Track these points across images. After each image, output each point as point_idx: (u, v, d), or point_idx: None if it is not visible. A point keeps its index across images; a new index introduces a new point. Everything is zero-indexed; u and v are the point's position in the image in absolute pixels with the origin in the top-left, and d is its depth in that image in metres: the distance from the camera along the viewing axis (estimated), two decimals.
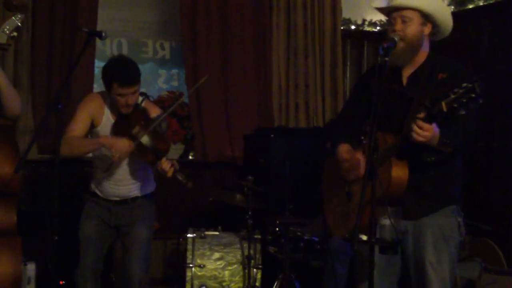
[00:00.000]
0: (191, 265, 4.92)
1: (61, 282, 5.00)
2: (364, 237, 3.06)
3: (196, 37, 6.27)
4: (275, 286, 4.81)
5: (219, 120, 6.37)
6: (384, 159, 3.18)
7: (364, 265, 3.36)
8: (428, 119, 3.00)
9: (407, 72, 3.39)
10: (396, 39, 3.24)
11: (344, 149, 3.49)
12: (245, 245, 4.97)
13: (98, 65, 6.19)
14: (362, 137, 3.28)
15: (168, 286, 5.61)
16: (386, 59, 3.10)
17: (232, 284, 4.96)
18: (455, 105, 2.89)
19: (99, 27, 5.88)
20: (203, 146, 6.32)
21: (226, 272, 4.97)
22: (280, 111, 6.51)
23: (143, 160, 4.08)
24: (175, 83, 6.95)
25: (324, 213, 3.75)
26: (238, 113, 6.39)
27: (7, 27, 3.82)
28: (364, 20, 6.82)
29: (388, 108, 3.32)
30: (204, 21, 6.28)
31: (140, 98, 4.15)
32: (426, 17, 3.34)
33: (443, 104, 2.92)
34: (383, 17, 6.72)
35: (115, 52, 6.70)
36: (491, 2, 5.59)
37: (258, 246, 4.99)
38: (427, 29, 3.38)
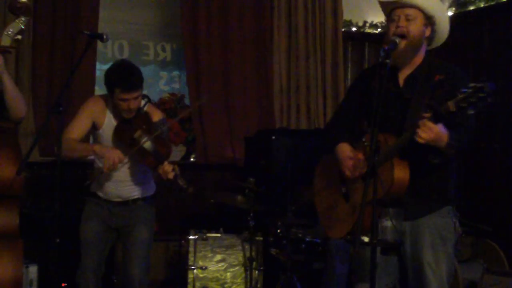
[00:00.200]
0: (193, 267, 4.92)
1: (63, 284, 5.00)
2: (366, 239, 3.06)
3: (197, 39, 6.28)
4: None
5: (220, 122, 6.38)
6: (386, 159, 3.18)
7: (363, 265, 3.37)
8: (435, 119, 2.99)
9: (404, 73, 3.39)
10: (396, 40, 3.24)
11: (346, 148, 3.48)
12: (247, 247, 4.97)
13: (100, 67, 6.21)
14: (364, 139, 3.28)
15: None
16: (387, 61, 3.10)
17: (234, 286, 4.96)
18: (464, 105, 2.88)
19: (101, 30, 5.89)
20: (204, 148, 6.32)
21: (228, 274, 4.97)
22: (281, 112, 6.52)
23: (145, 164, 4.08)
24: (176, 85, 6.96)
25: (317, 214, 3.73)
26: (239, 114, 6.39)
27: (11, 30, 3.82)
28: (365, 22, 6.82)
29: (386, 109, 3.32)
30: (205, 23, 6.29)
31: (143, 102, 4.16)
32: (428, 19, 3.34)
33: (451, 103, 2.92)
34: (384, 19, 6.75)
35: (117, 55, 6.71)
36: (492, 3, 5.60)
37: (260, 248, 4.99)
38: (428, 32, 3.38)
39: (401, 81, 3.38)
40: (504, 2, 5.49)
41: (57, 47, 5.90)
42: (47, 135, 5.58)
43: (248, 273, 4.95)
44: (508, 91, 5.37)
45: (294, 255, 4.81)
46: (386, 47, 3.15)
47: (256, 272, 4.94)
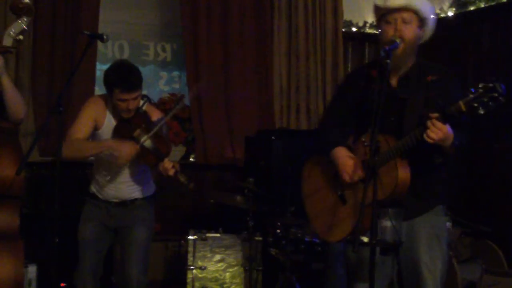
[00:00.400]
0: (192, 267, 4.93)
1: (62, 284, 5.01)
2: (365, 239, 3.06)
3: (197, 39, 6.28)
4: None
5: (220, 122, 6.38)
6: (388, 160, 3.19)
7: (361, 265, 3.37)
8: (443, 119, 3.00)
9: (396, 75, 3.40)
10: (397, 41, 3.24)
11: (344, 152, 3.48)
12: (246, 247, 4.97)
13: (100, 67, 6.21)
14: (363, 139, 3.28)
15: None
16: (388, 61, 3.11)
17: (233, 286, 4.97)
18: (475, 105, 2.90)
19: (101, 30, 5.89)
20: (204, 148, 6.32)
21: (227, 274, 4.98)
22: (281, 113, 6.52)
23: (145, 163, 4.09)
24: (176, 85, 6.96)
25: (309, 219, 3.72)
26: (239, 115, 6.39)
27: (13, 30, 3.82)
28: (365, 22, 6.82)
29: (382, 110, 3.33)
30: (205, 23, 6.29)
31: (142, 101, 4.16)
32: (421, 21, 3.36)
33: (462, 103, 2.93)
34: None
35: (117, 55, 6.71)
36: (492, 4, 5.60)
37: (259, 248, 5.00)
38: (421, 33, 3.40)
39: (394, 82, 3.40)
40: (504, 2, 5.48)
41: (57, 47, 5.90)
42: (47, 135, 5.59)
43: (247, 273, 4.95)
44: (509, 91, 5.36)
45: (293, 255, 4.80)
46: (387, 47, 3.16)
47: (255, 272, 4.94)
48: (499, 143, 5.45)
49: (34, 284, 4.75)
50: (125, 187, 4.23)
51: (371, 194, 3.03)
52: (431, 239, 3.36)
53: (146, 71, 6.46)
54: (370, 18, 6.81)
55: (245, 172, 5.88)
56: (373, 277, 2.99)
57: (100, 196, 4.26)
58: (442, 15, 6.05)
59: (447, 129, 3.02)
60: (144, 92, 4.18)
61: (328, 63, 6.59)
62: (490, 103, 2.88)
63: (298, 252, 4.85)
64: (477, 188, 5.60)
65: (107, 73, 4.05)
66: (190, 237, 5.00)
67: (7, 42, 3.82)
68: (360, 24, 6.83)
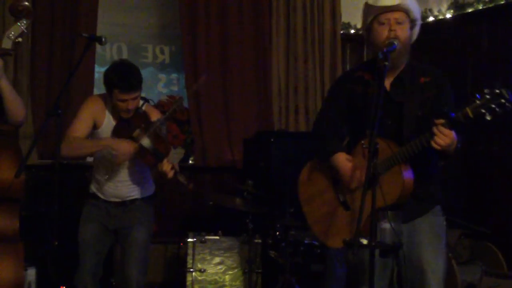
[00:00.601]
0: (191, 270, 4.93)
1: (61, 287, 5.00)
2: (364, 241, 3.06)
3: (195, 41, 6.29)
4: None
5: (219, 124, 6.38)
6: (393, 166, 3.20)
7: (361, 268, 3.37)
8: (449, 125, 3.01)
9: (389, 78, 3.40)
10: (395, 43, 3.24)
11: (345, 158, 3.46)
12: (246, 249, 4.98)
13: (98, 70, 6.21)
14: (363, 142, 3.28)
15: None
16: (386, 63, 3.11)
17: None
18: (483, 111, 2.91)
19: (99, 32, 5.89)
20: (203, 150, 6.32)
21: (227, 277, 4.98)
22: (279, 114, 6.51)
23: (144, 163, 4.09)
24: (174, 88, 6.96)
25: (309, 224, 3.71)
26: (238, 117, 6.40)
27: (12, 33, 3.81)
28: None
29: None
30: (203, 26, 6.30)
31: (141, 102, 4.16)
32: (411, 22, 3.37)
33: (469, 110, 2.94)
34: None
35: (115, 57, 6.71)
36: (490, 6, 5.60)
37: (259, 250, 5.00)
38: (411, 34, 3.41)
39: (387, 85, 3.39)
40: (502, 4, 5.48)
41: (55, 49, 5.90)
42: (46, 138, 5.58)
43: (246, 275, 4.96)
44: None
45: (292, 258, 4.81)
46: (385, 49, 3.16)
47: (255, 274, 4.95)
48: (498, 145, 5.45)
49: (33, 286, 4.75)
50: (124, 186, 4.23)
51: (378, 198, 3.04)
52: (432, 239, 3.37)
53: (144, 74, 6.34)
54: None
55: (244, 174, 5.88)
56: (372, 279, 2.99)
57: (100, 196, 4.26)
58: (440, 17, 6.05)
59: (453, 135, 3.04)
60: (143, 94, 4.18)
61: (326, 64, 6.59)
62: (497, 109, 2.90)
63: (297, 254, 4.85)
64: (477, 190, 5.60)
65: (107, 73, 4.05)
66: (189, 240, 5.00)
67: (7, 44, 3.81)
68: (358, 26, 6.82)
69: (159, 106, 6.40)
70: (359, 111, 3.41)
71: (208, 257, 4.99)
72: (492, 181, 5.51)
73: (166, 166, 3.97)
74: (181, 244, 5.20)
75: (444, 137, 3.02)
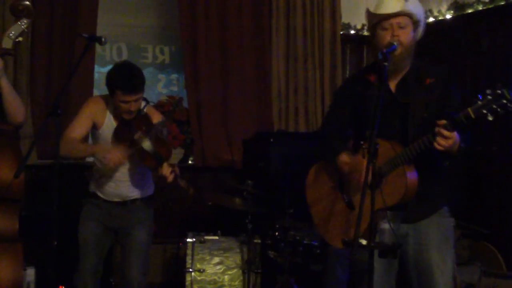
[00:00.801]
0: (190, 270, 4.92)
1: (60, 287, 4.99)
2: (364, 242, 3.06)
3: (195, 42, 6.29)
4: None
5: (219, 125, 6.38)
6: (396, 166, 3.21)
7: (365, 270, 3.37)
8: (452, 127, 3.02)
9: (394, 79, 3.41)
10: (395, 43, 3.25)
11: (349, 156, 3.47)
12: (245, 249, 4.98)
13: (98, 70, 6.21)
14: (362, 142, 3.28)
15: None
16: (386, 64, 3.11)
17: None
18: (484, 111, 2.92)
19: (99, 32, 5.89)
20: (202, 150, 6.32)
21: (226, 277, 4.97)
22: (279, 115, 6.51)
23: (145, 165, 4.09)
24: (174, 88, 6.96)
25: (316, 225, 3.72)
26: (238, 117, 6.40)
27: (13, 32, 3.81)
28: (363, 25, 6.82)
29: (383, 116, 3.33)
30: (203, 26, 6.29)
31: (143, 103, 4.16)
32: (415, 24, 3.37)
33: (471, 110, 2.95)
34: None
35: (115, 57, 6.72)
36: (489, 6, 5.60)
37: (258, 251, 5.00)
38: (415, 35, 3.41)
39: (392, 86, 3.40)
40: (502, 4, 5.49)
41: (55, 50, 5.90)
42: (45, 138, 5.58)
43: (246, 275, 4.95)
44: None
45: (292, 258, 4.81)
46: (385, 50, 3.17)
47: (254, 274, 4.94)
48: (497, 146, 5.45)
49: (32, 286, 4.75)
50: (125, 186, 4.25)
51: (379, 199, 3.06)
52: (440, 240, 3.37)
53: (144, 74, 6.42)
54: None
55: (243, 175, 5.89)
56: (371, 279, 2.99)
57: (100, 195, 4.27)
58: (440, 18, 6.05)
59: (455, 136, 3.05)
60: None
61: (326, 65, 6.59)
62: (499, 109, 2.90)
63: (296, 255, 4.85)
64: (476, 191, 5.60)
65: (109, 74, 4.06)
66: (188, 240, 5.00)
67: (7, 44, 3.81)
68: (358, 26, 6.83)
69: (159, 106, 6.40)
70: (364, 113, 3.42)
71: (207, 257, 4.98)
72: (491, 182, 5.51)
73: (167, 170, 3.97)
74: (180, 244, 5.20)
75: (446, 138, 3.03)
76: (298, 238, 4.90)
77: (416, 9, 3.37)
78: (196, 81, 6.29)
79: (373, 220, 2.96)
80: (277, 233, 4.96)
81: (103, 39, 3.66)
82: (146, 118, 4.14)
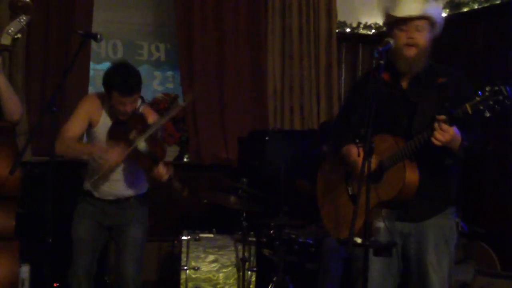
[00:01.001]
0: (185, 268, 4.92)
1: (55, 284, 4.99)
2: (359, 240, 3.07)
3: (191, 39, 6.28)
4: None
5: (214, 123, 6.38)
6: (397, 162, 3.21)
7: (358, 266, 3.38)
8: (450, 121, 3.02)
9: (407, 77, 3.41)
10: (390, 42, 3.24)
11: (354, 149, 3.48)
12: (240, 247, 4.97)
13: (93, 67, 6.20)
14: (357, 140, 3.27)
15: None
16: (381, 62, 3.12)
17: (227, 287, 4.96)
18: (481, 107, 2.92)
19: (94, 29, 5.88)
20: (197, 148, 6.32)
21: (221, 275, 4.97)
22: (275, 113, 6.51)
23: (139, 165, 4.09)
24: (170, 85, 6.95)
25: (321, 216, 3.74)
26: (233, 115, 6.39)
27: (12, 28, 3.80)
28: (359, 23, 6.83)
29: (392, 113, 3.36)
30: (199, 24, 6.29)
31: (139, 103, 4.15)
32: (432, 25, 3.37)
33: (468, 106, 2.95)
34: (378, 20, 6.76)
35: (111, 54, 6.71)
36: (485, 5, 5.60)
37: (253, 249, 4.99)
38: (432, 36, 3.41)
39: (404, 84, 3.41)
40: (498, 3, 5.49)
41: (50, 47, 5.89)
42: (40, 135, 5.57)
43: (240, 273, 4.95)
44: None
45: (287, 256, 4.81)
46: (380, 48, 3.16)
47: (249, 272, 4.94)
48: (493, 144, 5.45)
49: (27, 284, 4.73)
50: (119, 185, 4.24)
51: (377, 194, 3.09)
52: (438, 241, 3.36)
53: (140, 71, 6.42)
54: (364, 19, 6.82)
55: (238, 173, 5.89)
56: (366, 278, 2.99)
57: (95, 194, 4.26)
58: None
59: (453, 131, 3.05)
60: None
61: (322, 63, 6.59)
62: (496, 106, 2.90)
63: (291, 253, 4.86)
64: (471, 190, 5.60)
65: (107, 74, 4.05)
66: (183, 238, 5.00)
67: (6, 40, 3.80)
68: (354, 25, 6.84)
69: (154, 104, 6.40)
70: (377, 110, 3.41)
71: (202, 255, 4.98)
72: (486, 181, 5.52)
73: (161, 170, 3.97)
74: (175, 242, 5.20)
75: (444, 133, 3.03)
76: (293, 236, 4.91)
77: (435, 11, 3.36)
78: (191, 79, 6.28)
79: (368, 217, 2.97)
80: (272, 231, 4.96)
81: (98, 36, 3.64)
82: (142, 117, 4.13)
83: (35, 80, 5.83)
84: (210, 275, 4.95)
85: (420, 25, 3.32)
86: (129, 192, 4.28)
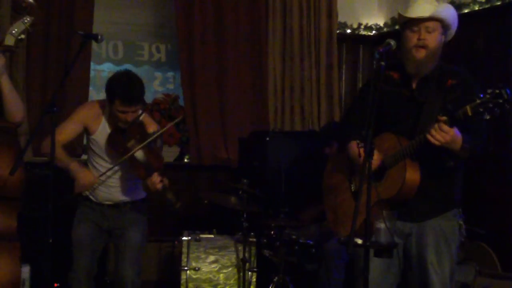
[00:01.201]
0: (186, 268, 4.92)
1: (55, 285, 5.00)
2: (359, 241, 3.07)
3: (192, 40, 6.28)
4: None
5: (215, 123, 6.38)
6: (399, 160, 3.23)
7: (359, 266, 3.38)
8: (450, 122, 3.02)
9: (417, 78, 3.41)
10: (391, 43, 3.24)
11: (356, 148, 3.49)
12: (240, 248, 4.97)
13: (94, 67, 6.19)
14: (357, 142, 3.28)
15: None
16: (382, 63, 3.12)
17: (227, 287, 4.96)
18: (481, 110, 2.92)
19: (95, 30, 5.88)
20: (198, 149, 6.32)
21: (221, 275, 4.97)
22: (275, 114, 6.51)
23: (134, 174, 4.07)
24: (170, 86, 6.96)
25: (326, 212, 3.75)
26: (234, 116, 6.39)
27: (16, 29, 3.79)
28: (359, 24, 6.83)
29: (398, 112, 3.37)
30: (200, 24, 6.29)
31: (139, 111, 4.14)
32: (444, 28, 3.37)
33: (468, 108, 2.96)
34: (378, 21, 6.77)
35: (111, 55, 6.71)
36: (486, 7, 5.60)
37: (253, 249, 4.99)
38: (443, 38, 3.41)
39: (414, 84, 3.41)
40: (499, 5, 5.48)
41: (51, 47, 5.89)
42: (41, 135, 5.56)
43: (241, 274, 4.95)
44: None
45: (287, 257, 4.81)
46: (381, 49, 3.16)
47: (249, 273, 4.94)
48: (493, 145, 5.45)
49: (27, 284, 4.74)
50: (116, 191, 4.25)
51: (378, 192, 3.12)
52: (439, 241, 3.37)
53: (140, 72, 6.43)
54: (365, 20, 6.82)
55: (239, 173, 5.88)
56: (367, 278, 2.99)
57: (93, 199, 4.27)
58: None
59: (454, 132, 3.06)
60: None
61: (322, 64, 6.58)
62: (496, 108, 2.91)
63: (292, 254, 4.86)
64: (471, 191, 5.59)
65: (110, 83, 4.05)
66: (184, 238, 4.99)
67: (9, 41, 3.79)
68: (355, 25, 6.84)
69: (155, 104, 6.40)
70: (384, 109, 3.41)
71: (203, 256, 4.98)
72: (486, 182, 5.51)
73: (156, 179, 3.97)
74: (176, 242, 5.20)
75: (443, 133, 3.04)
76: (293, 237, 4.91)
77: (447, 13, 3.36)
78: (192, 79, 6.28)
79: (368, 217, 2.97)
80: (272, 232, 4.96)
81: (99, 37, 3.64)
82: (141, 126, 4.13)
83: (35, 80, 5.83)
84: (211, 276, 4.95)
85: (431, 27, 3.32)
86: (126, 197, 4.29)
